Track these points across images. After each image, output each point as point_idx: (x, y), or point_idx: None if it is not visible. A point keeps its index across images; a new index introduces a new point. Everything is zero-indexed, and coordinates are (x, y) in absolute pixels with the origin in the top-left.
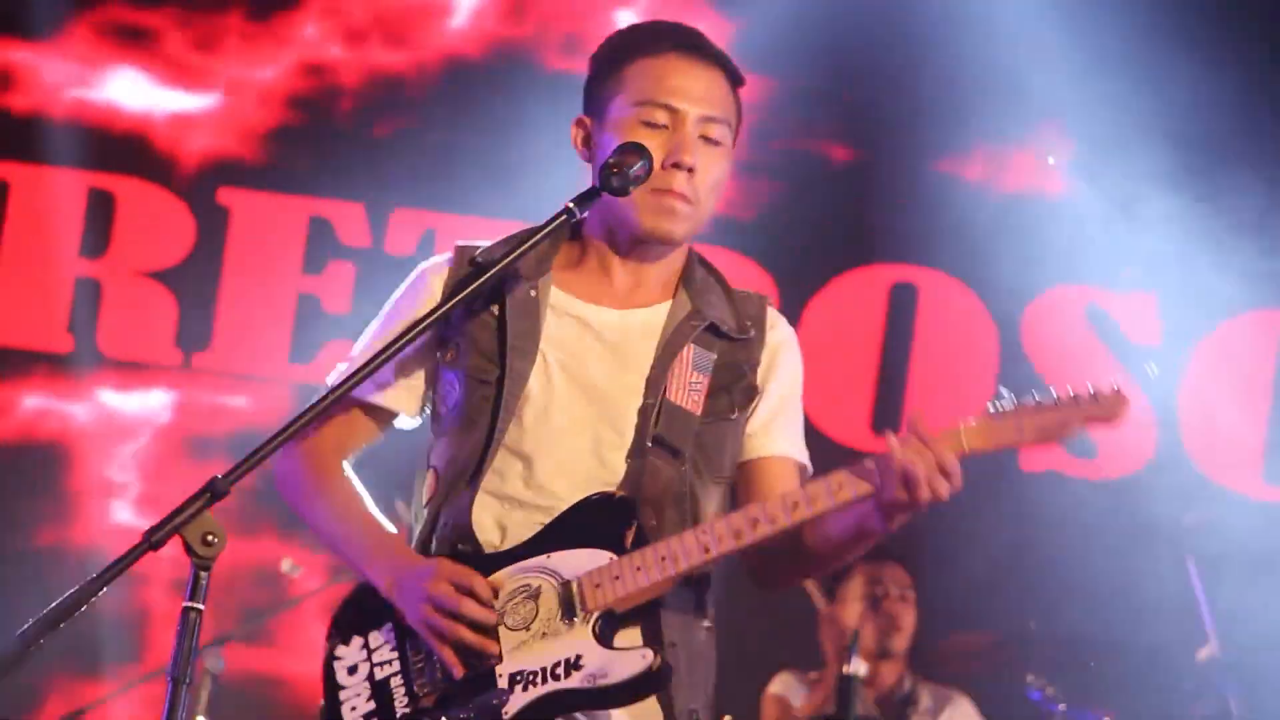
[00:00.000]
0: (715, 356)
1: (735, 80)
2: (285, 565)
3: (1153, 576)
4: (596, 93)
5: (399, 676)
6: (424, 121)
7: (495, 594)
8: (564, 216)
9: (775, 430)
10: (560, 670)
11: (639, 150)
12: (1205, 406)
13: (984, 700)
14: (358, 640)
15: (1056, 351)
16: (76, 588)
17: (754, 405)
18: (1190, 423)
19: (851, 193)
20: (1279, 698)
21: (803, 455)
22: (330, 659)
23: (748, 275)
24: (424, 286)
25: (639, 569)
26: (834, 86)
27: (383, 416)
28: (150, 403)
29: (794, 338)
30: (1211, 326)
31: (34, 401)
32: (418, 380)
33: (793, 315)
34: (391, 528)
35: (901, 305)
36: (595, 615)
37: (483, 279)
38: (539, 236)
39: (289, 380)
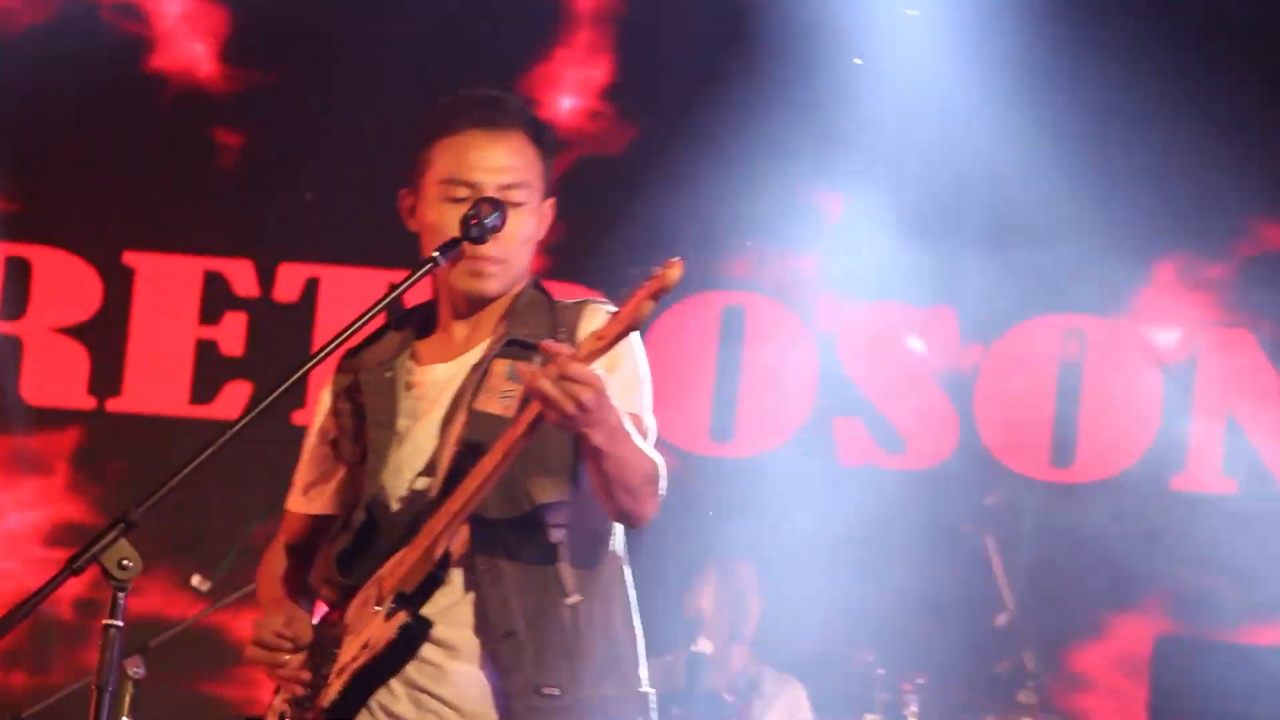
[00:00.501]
0: (537, 366)
1: (537, 137)
2: (195, 580)
3: (958, 553)
4: (413, 169)
5: (288, 706)
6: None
7: (340, 621)
8: (430, 264)
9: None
10: (357, 654)
11: (494, 203)
12: (998, 401)
13: (818, 671)
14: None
15: (870, 362)
16: (9, 610)
17: None
18: (985, 416)
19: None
20: (1066, 651)
21: (634, 408)
22: (268, 706)
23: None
24: (318, 403)
25: (412, 548)
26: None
27: (316, 520)
28: (65, 443)
29: (606, 312)
30: (1001, 332)
31: None
32: (327, 483)
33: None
34: (285, 599)
35: (730, 328)
36: (388, 601)
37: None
38: (400, 289)
39: (191, 418)
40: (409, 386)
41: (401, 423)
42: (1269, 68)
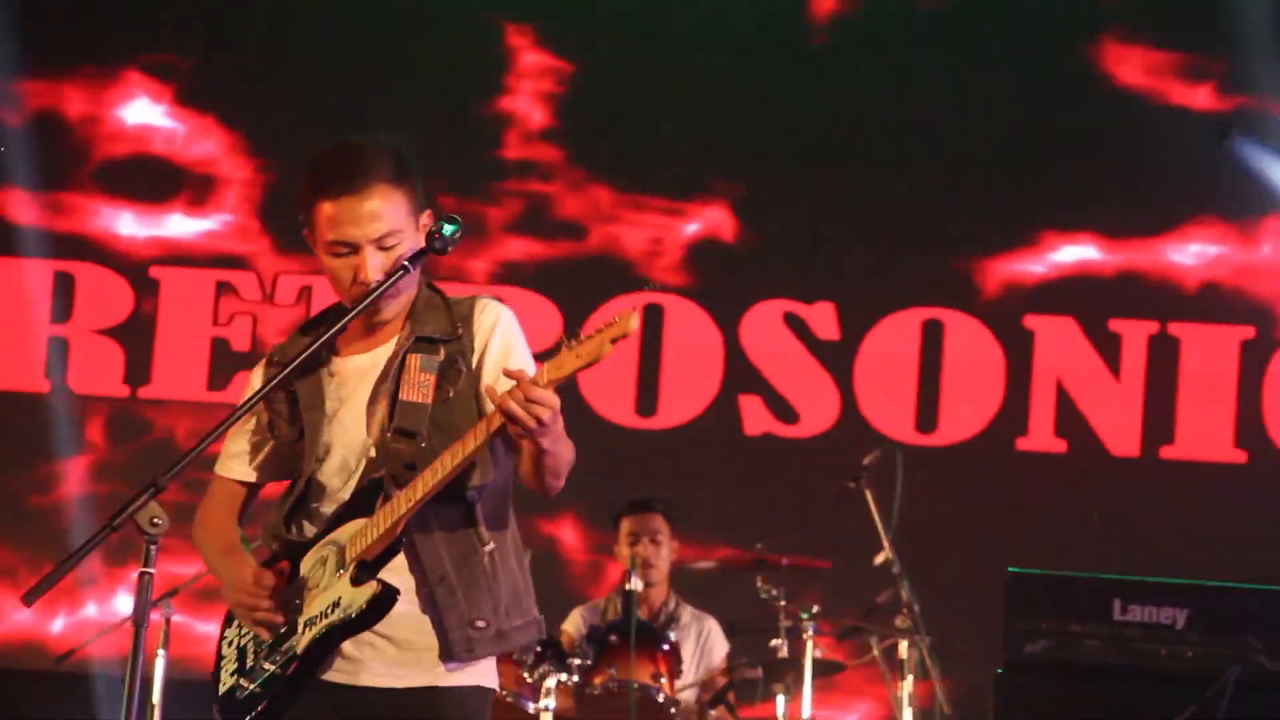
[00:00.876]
0: (441, 357)
1: (396, 179)
2: None
3: (843, 504)
4: (305, 214)
5: (250, 643)
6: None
7: (295, 572)
8: (401, 272)
9: (501, 382)
10: (329, 610)
11: (452, 219)
12: (872, 377)
13: (728, 602)
14: (235, 624)
15: (765, 349)
16: (58, 562)
17: (476, 376)
18: (862, 390)
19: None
20: (929, 582)
21: (531, 368)
22: (219, 640)
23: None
24: (247, 385)
25: (372, 524)
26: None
27: (243, 484)
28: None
29: (498, 312)
30: (874, 321)
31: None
32: (257, 456)
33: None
34: (243, 554)
35: (651, 323)
36: (352, 565)
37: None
38: (376, 292)
39: (207, 402)
40: (331, 375)
41: (329, 405)
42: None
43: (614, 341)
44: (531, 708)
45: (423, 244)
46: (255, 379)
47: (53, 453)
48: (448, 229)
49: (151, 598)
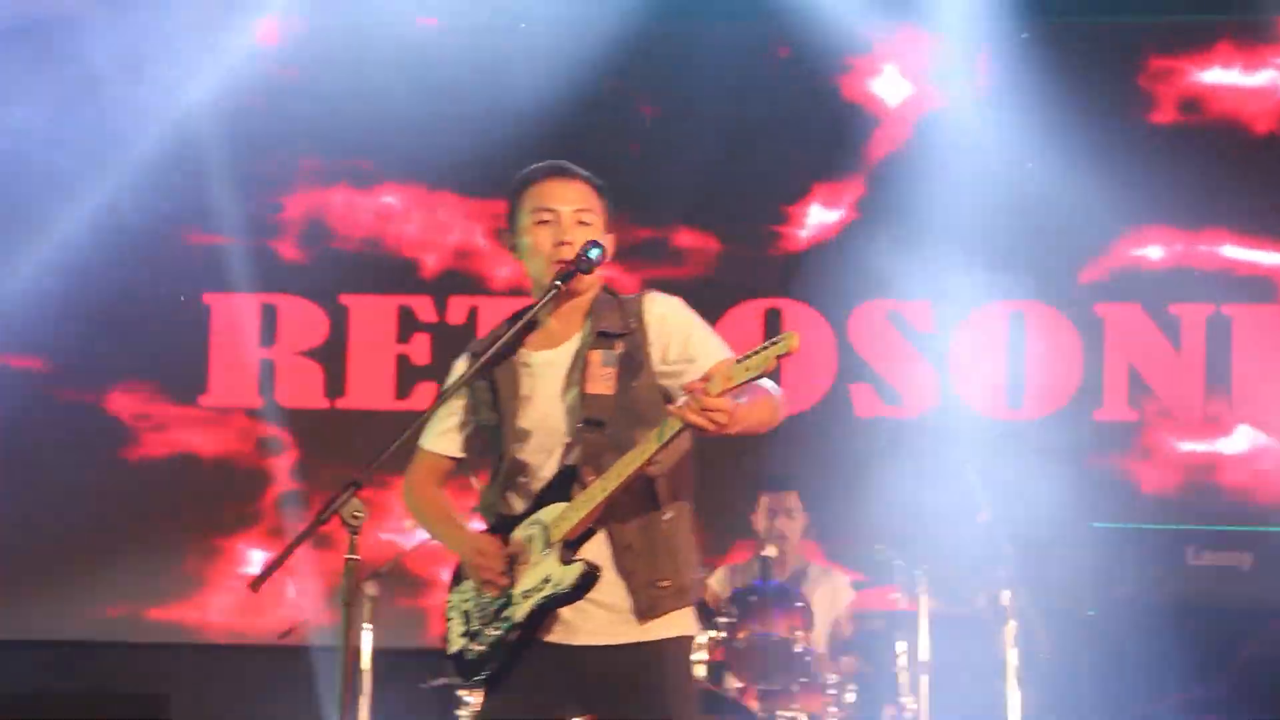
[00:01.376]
0: (619, 351)
1: (597, 187)
2: (409, 522)
3: (948, 473)
4: (511, 212)
5: (474, 608)
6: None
7: (510, 543)
8: (553, 291)
9: (698, 360)
10: (542, 584)
11: (596, 244)
12: (966, 364)
13: (850, 563)
14: (458, 588)
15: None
16: (280, 551)
17: (663, 365)
18: (956, 375)
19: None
20: (1024, 542)
21: (722, 354)
22: (446, 602)
23: None
24: (451, 373)
25: (575, 509)
26: None
27: (448, 458)
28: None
29: (665, 302)
30: (966, 314)
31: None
32: (460, 435)
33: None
34: (460, 520)
35: (772, 327)
36: (558, 545)
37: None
38: (531, 313)
39: (395, 410)
40: (525, 365)
41: (524, 393)
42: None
43: (779, 357)
44: None
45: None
46: (458, 367)
47: (267, 457)
48: (594, 252)
49: (359, 579)
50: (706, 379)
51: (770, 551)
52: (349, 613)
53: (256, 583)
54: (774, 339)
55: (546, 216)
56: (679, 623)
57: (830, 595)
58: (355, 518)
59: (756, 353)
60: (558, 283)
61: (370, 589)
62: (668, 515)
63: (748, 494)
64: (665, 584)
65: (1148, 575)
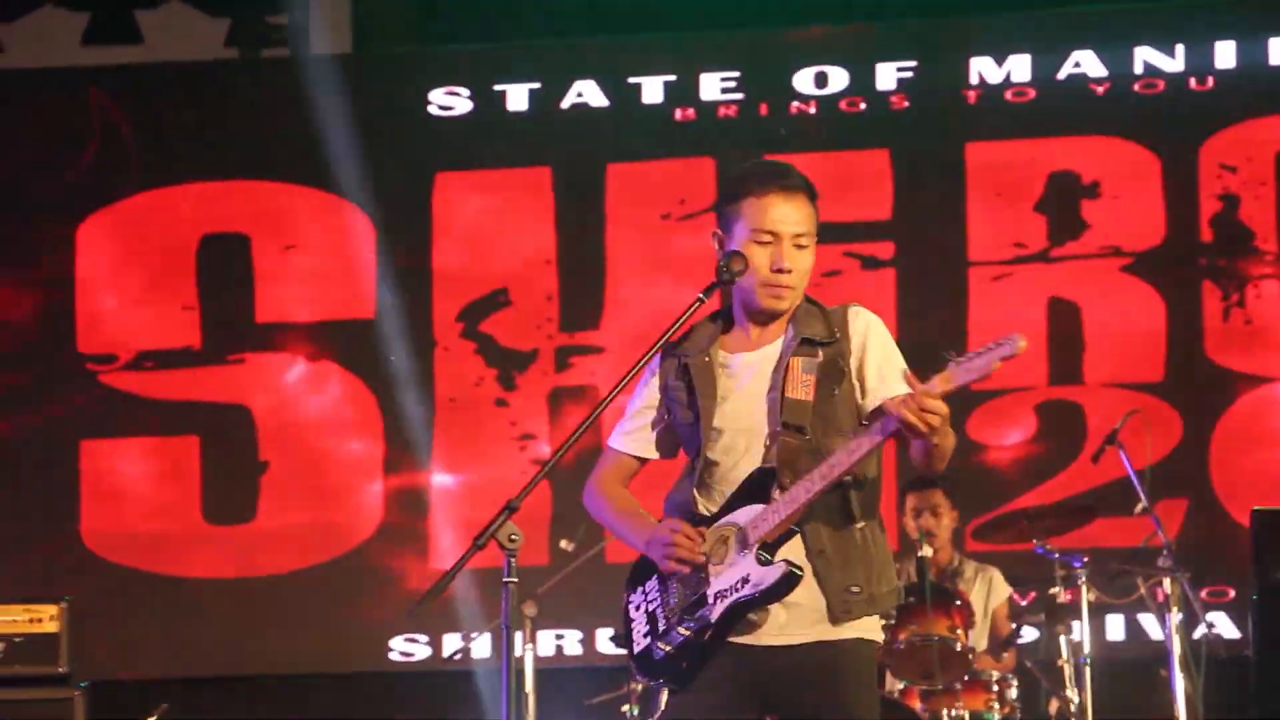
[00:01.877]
0: (820, 359)
1: (812, 196)
2: (562, 544)
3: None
4: (725, 215)
5: (659, 609)
6: None
7: (703, 539)
8: (697, 303)
9: (883, 384)
10: (739, 585)
11: (739, 256)
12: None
13: (1006, 559)
14: (639, 590)
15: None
16: (442, 575)
17: (857, 379)
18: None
19: None
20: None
21: (903, 388)
22: (626, 603)
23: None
24: (642, 378)
25: (775, 511)
26: None
27: (635, 458)
28: None
29: (870, 320)
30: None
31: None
32: (651, 434)
33: None
34: (649, 518)
35: None
36: (756, 546)
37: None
38: (683, 317)
39: None
40: (723, 367)
41: (720, 394)
42: None
43: (1003, 360)
44: None
45: (810, 263)
46: (651, 373)
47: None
48: (736, 266)
49: (517, 602)
50: (918, 387)
51: (925, 552)
52: (509, 637)
53: (416, 608)
54: (999, 341)
55: (767, 238)
56: (867, 626)
57: (986, 591)
58: (512, 541)
59: (980, 355)
60: (701, 295)
61: (529, 609)
62: (860, 525)
63: (896, 496)
64: (857, 590)
65: None
